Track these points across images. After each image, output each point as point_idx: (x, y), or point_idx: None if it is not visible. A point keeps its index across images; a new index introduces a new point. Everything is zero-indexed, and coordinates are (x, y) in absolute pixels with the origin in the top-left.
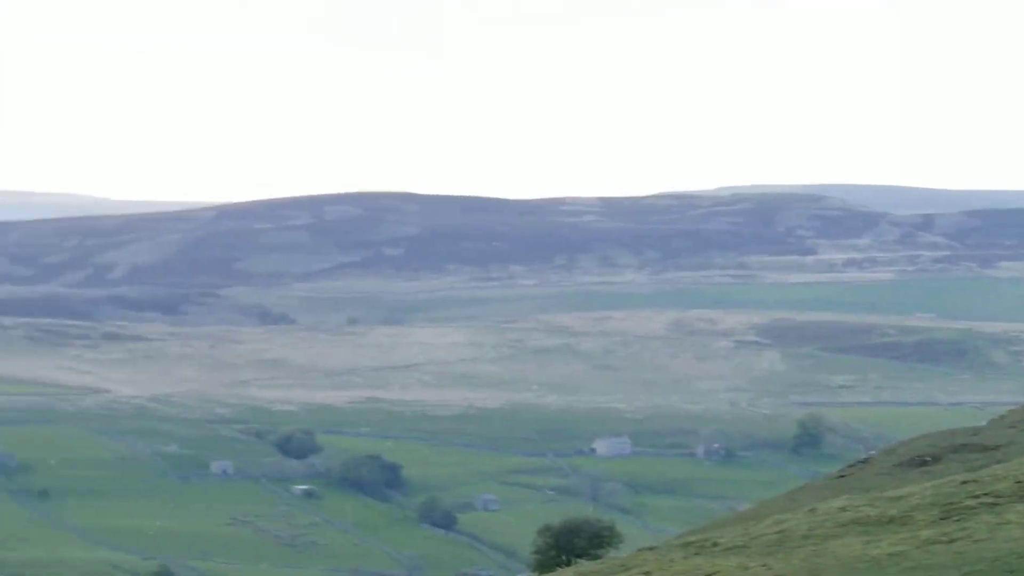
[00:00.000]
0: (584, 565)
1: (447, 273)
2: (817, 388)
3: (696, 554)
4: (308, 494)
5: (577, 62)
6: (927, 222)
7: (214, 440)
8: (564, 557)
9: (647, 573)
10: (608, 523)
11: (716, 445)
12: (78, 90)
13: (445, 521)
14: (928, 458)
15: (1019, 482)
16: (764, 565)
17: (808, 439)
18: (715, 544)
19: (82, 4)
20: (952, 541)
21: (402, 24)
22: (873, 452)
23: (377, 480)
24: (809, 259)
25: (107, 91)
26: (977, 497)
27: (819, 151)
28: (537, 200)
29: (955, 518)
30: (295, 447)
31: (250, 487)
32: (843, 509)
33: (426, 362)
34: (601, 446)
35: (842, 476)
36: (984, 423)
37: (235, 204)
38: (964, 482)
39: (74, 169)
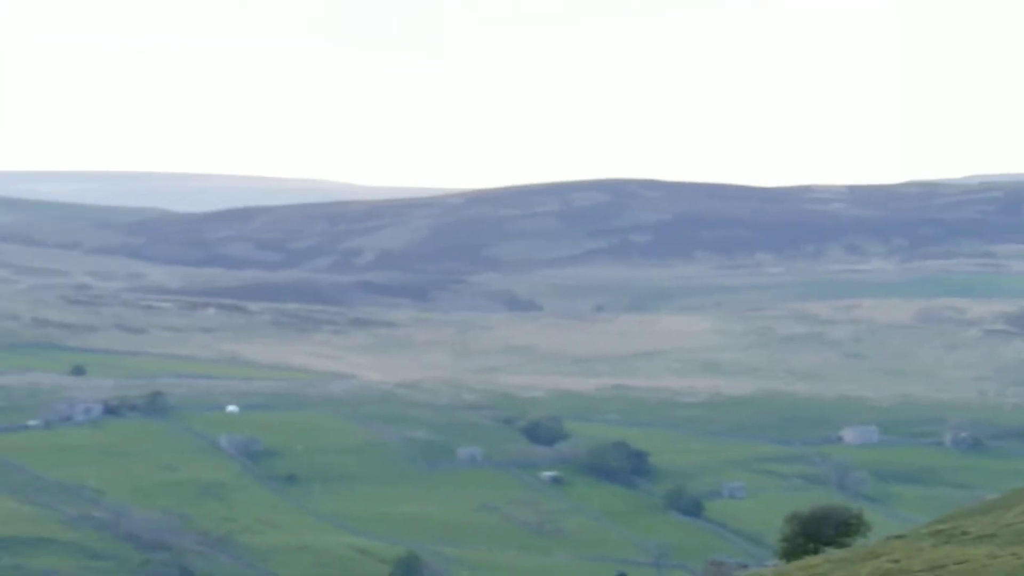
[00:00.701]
0: (832, 553)
1: (694, 260)
2: None
3: (945, 542)
4: (556, 480)
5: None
6: None
7: (462, 426)
8: (811, 545)
9: (896, 561)
10: (856, 511)
11: (964, 434)
12: (295, 82)
13: (692, 508)
14: None
15: None
16: (1013, 554)
17: None
18: (964, 533)
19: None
20: None
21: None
22: None
23: (624, 467)
24: None
25: (343, 79)
26: None
27: None
28: (784, 187)
29: None
30: (543, 433)
31: (498, 473)
32: None
33: (673, 349)
34: (849, 434)
35: None
36: None
37: (483, 191)
38: None
39: (321, 155)
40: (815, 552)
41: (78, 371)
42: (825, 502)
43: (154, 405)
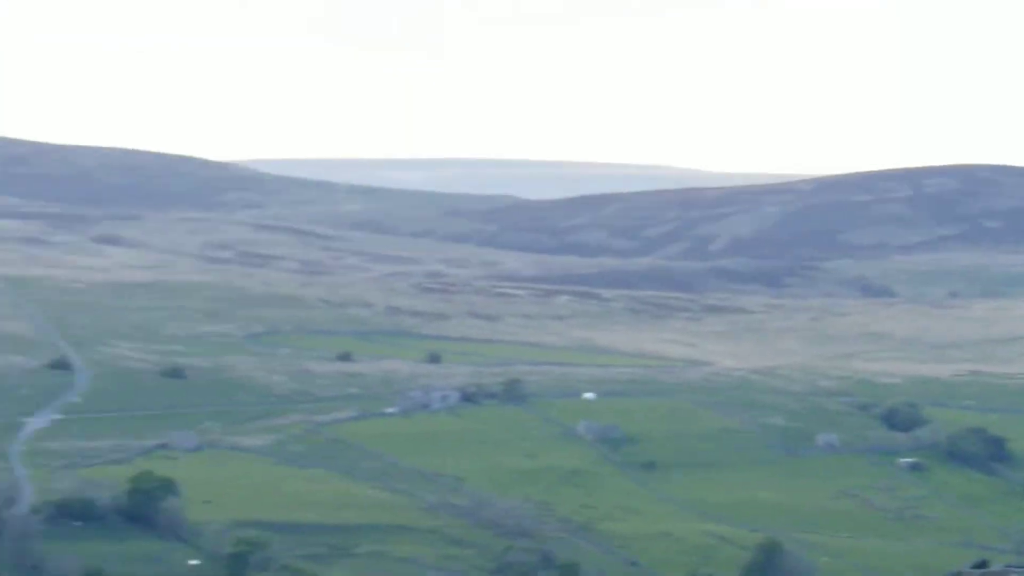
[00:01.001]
0: None
1: None
2: None
3: None
4: (914, 467)
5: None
6: None
7: (819, 413)
8: None
9: None
10: None
11: None
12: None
13: None
14: None
15: None
16: None
17: None
18: None
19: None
20: None
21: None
22: None
23: (982, 453)
24: None
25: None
26: None
27: None
28: None
29: None
30: (900, 420)
31: (856, 460)
32: None
33: None
34: None
35: None
36: None
37: (833, 176)
38: None
39: (671, 141)
40: None
41: (434, 358)
42: None
43: (511, 392)
